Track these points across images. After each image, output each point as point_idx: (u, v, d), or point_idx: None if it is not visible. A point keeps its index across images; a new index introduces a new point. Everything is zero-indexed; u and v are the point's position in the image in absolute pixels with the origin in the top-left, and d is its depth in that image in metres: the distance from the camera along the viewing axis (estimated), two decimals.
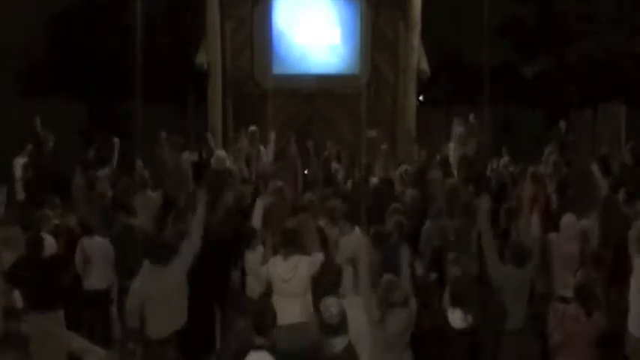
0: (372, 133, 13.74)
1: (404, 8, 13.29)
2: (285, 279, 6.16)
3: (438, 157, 10.38)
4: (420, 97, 14.95)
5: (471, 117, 11.62)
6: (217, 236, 6.78)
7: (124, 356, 6.23)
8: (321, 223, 7.28)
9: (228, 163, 9.18)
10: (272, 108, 13.15)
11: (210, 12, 12.87)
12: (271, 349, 4.62)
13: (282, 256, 6.27)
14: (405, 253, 6.43)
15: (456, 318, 5.22)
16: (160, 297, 5.80)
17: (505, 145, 14.10)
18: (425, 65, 13.31)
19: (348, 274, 6.44)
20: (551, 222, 7.78)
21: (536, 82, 16.85)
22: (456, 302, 5.32)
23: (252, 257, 6.80)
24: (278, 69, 13.40)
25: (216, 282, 6.61)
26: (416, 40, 13.20)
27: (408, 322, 5.22)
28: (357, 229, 7.27)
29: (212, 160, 8.92)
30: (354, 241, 7.03)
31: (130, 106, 13.30)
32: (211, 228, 6.70)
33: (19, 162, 11.67)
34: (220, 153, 9.33)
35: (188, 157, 10.38)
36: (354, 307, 5.37)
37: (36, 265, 6.32)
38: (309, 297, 6.21)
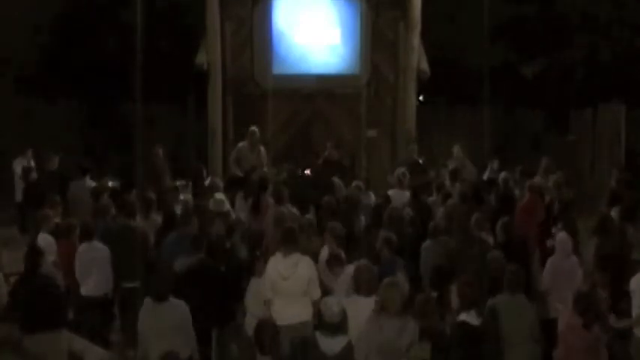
0: (372, 133, 13.74)
1: (404, 8, 13.28)
2: (284, 276, 6.16)
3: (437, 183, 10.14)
4: (420, 97, 14.93)
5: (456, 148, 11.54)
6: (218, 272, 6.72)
7: (124, 357, 6.22)
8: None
9: (227, 206, 9.01)
10: (272, 108, 13.15)
11: (210, 12, 12.85)
12: None
13: (282, 254, 6.28)
14: (399, 267, 6.44)
15: (472, 317, 5.23)
16: (157, 332, 5.76)
17: (505, 145, 14.14)
18: (425, 65, 13.29)
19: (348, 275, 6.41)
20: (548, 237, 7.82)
21: (536, 82, 16.83)
22: (469, 304, 5.31)
23: (256, 284, 6.52)
24: (278, 69, 13.38)
25: (216, 312, 6.54)
26: (416, 40, 13.18)
27: (403, 332, 5.14)
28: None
29: (210, 203, 8.77)
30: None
31: (129, 106, 13.31)
32: (209, 266, 6.67)
33: (20, 163, 11.68)
34: (218, 196, 9.12)
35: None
36: (354, 307, 5.37)
37: (35, 286, 6.25)
38: (309, 298, 6.22)
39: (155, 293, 5.76)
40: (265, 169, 11.01)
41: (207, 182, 9.96)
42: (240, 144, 11.36)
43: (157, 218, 8.47)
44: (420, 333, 5.24)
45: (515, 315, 5.74)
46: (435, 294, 6.07)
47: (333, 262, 6.63)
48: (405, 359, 5.15)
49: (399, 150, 13.32)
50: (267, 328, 4.79)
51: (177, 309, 5.78)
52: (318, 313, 5.09)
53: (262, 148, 11.24)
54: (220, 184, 9.66)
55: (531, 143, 16.12)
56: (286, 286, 6.17)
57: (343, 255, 6.73)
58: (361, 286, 5.70)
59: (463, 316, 5.18)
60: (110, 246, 7.38)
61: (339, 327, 4.86)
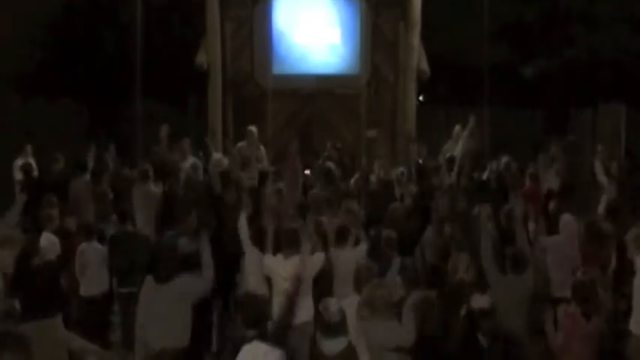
0: (372, 133, 13.74)
1: (404, 8, 13.28)
2: (285, 277, 6.17)
3: (434, 163, 10.20)
4: (420, 97, 14.93)
5: (471, 120, 11.42)
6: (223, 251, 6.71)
7: (124, 357, 6.21)
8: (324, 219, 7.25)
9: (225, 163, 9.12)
10: (272, 108, 13.16)
11: (210, 12, 12.86)
12: (263, 338, 4.59)
13: (284, 255, 6.29)
14: (395, 267, 6.44)
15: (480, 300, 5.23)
16: (158, 312, 5.74)
17: (505, 145, 14.08)
18: (425, 65, 13.29)
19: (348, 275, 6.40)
20: (550, 223, 7.81)
21: (536, 82, 16.84)
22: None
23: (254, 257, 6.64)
24: (278, 69, 13.39)
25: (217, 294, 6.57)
26: (416, 40, 13.18)
27: (392, 335, 5.13)
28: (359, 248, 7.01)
29: (210, 164, 8.89)
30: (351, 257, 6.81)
31: (130, 107, 13.31)
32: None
33: (19, 164, 11.65)
34: (216, 156, 9.22)
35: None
36: (353, 307, 5.36)
37: (32, 270, 6.26)
38: (310, 298, 6.22)
39: (157, 274, 5.75)
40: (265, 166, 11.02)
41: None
42: (240, 143, 11.41)
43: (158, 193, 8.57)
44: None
45: (516, 295, 5.84)
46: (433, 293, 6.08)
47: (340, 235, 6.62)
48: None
49: (399, 150, 13.31)
50: (252, 301, 4.77)
51: (179, 287, 5.73)
52: (317, 314, 5.09)
53: (262, 147, 11.27)
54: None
55: (531, 143, 16.11)
56: (287, 286, 6.18)
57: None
58: (362, 285, 5.70)
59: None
60: (110, 250, 7.41)
61: (338, 327, 4.85)
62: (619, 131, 14.69)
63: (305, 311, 6.18)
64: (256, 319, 4.64)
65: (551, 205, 8.42)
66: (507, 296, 5.81)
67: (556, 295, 6.78)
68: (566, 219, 7.15)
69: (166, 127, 11.04)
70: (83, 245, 7.40)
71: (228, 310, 7.17)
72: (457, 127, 11.53)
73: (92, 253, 7.37)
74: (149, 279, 5.81)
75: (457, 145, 10.97)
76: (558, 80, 16.53)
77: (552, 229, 7.36)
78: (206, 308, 6.47)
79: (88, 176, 9.69)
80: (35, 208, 8.27)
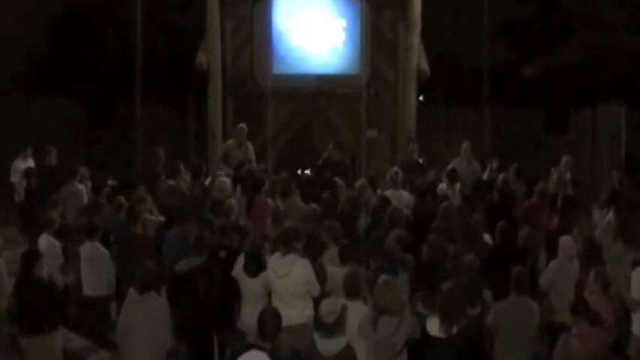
0: (372, 133, 13.74)
1: (404, 8, 13.29)
2: (279, 275, 6.17)
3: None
4: (420, 97, 14.92)
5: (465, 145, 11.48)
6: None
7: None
8: None
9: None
10: (272, 108, 13.15)
11: (210, 12, 12.86)
12: (273, 354, 4.64)
13: (281, 253, 6.31)
14: (406, 266, 6.43)
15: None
16: (135, 323, 5.77)
17: (504, 145, 14.10)
18: (425, 65, 13.29)
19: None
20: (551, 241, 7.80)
21: (536, 82, 16.81)
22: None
23: (254, 285, 6.48)
24: (278, 69, 13.39)
25: (216, 313, 6.53)
26: (416, 40, 13.19)
27: (399, 330, 5.19)
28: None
29: (214, 189, 8.96)
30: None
31: (130, 107, 13.31)
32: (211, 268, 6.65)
33: (19, 165, 11.63)
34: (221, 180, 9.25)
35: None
36: (352, 309, 5.37)
37: (30, 287, 6.28)
38: (306, 300, 6.23)
39: (137, 285, 5.81)
40: (254, 165, 10.98)
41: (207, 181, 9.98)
42: (228, 141, 11.41)
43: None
44: None
45: (521, 316, 5.76)
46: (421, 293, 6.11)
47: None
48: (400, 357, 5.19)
49: (399, 150, 13.32)
50: (269, 315, 4.82)
51: (157, 303, 5.80)
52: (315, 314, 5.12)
53: (250, 145, 11.23)
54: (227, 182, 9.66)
55: (531, 143, 16.11)
56: (282, 286, 6.18)
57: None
58: (358, 291, 5.71)
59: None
60: (118, 251, 7.41)
61: (335, 328, 4.86)
62: (619, 131, 14.69)
63: (302, 312, 6.19)
64: (271, 331, 4.72)
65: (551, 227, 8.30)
66: (509, 321, 5.73)
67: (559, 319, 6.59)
68: (566, 241, 7.04)
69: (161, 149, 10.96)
70: (86, 244, 7.42)
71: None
72: (465, 145, 11.44)
73: (95, 252, 7.38)
74: (131, 290, 5.88)
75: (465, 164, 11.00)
76: (558, 80, 16.49)
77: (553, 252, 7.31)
78: (206, 341, 6.46)
79: (76, 184, 9.69)
80: (34, 210, 8.28)
